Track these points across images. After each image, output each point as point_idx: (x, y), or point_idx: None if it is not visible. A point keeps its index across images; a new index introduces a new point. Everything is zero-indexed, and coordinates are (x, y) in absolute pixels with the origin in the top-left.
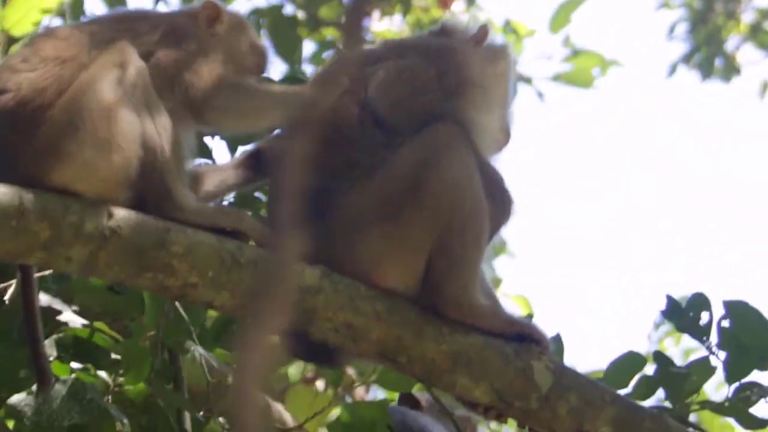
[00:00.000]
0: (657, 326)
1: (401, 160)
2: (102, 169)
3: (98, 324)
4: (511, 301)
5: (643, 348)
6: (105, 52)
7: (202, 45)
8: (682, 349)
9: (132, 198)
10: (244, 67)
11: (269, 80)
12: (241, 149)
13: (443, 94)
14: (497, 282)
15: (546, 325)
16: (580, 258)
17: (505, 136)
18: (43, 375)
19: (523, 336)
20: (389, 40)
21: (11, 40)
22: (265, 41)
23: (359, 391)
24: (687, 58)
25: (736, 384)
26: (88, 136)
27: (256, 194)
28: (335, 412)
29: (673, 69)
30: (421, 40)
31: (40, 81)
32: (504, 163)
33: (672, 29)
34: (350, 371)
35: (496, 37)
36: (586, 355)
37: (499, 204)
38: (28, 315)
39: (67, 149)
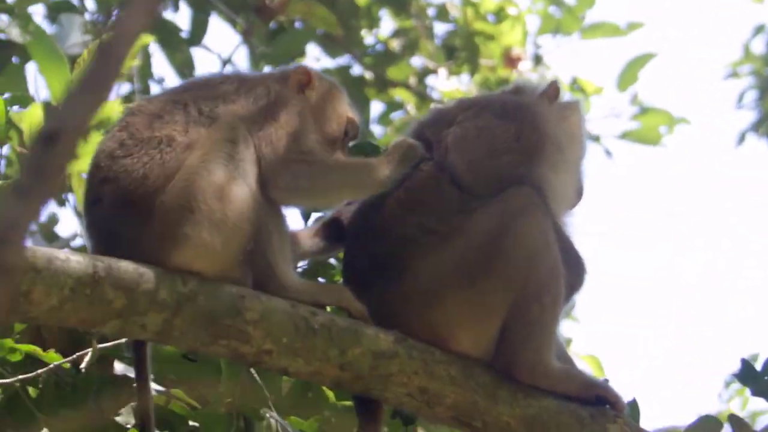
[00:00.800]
0: (728, 384)
1: (477, 225)
2: (219, 249)
3: (175, 391)
4: (581, 361)
5: (714, 407)
6: (214, 128)
7: (289, 115)
8: (749, 412)
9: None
10: (331, 136)
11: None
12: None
13: (521, 155)
14: (567, 342)
15: (617, 385)
16: (648, 317)
17: (578, 194)
18: None
19: (598, 399)
20: (462, 98)
21: None
22: (356, 111)
23: None
24: (756, 127)
25: None
26: (204, 218)
27: (330, 260)
28: None
29: (742, 137)
30: (496, 98)
31: (140, 167)
32: (575, 223)
33: (741, 98)
34: None
35: (565, 94)
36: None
37: (573, 269)
38: (141, 390)
39: (185, 232)
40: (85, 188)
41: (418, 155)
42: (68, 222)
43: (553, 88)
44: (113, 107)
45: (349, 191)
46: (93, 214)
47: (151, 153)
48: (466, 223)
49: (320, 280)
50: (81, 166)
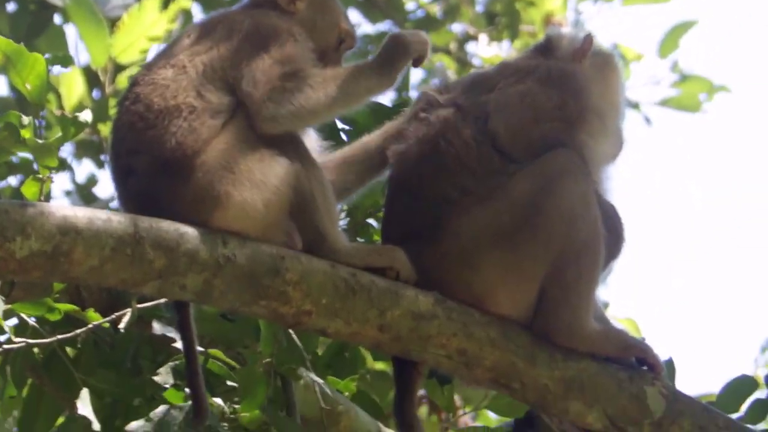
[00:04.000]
0: (764, 350)
1: (517, 187)
2: (261, 209)
3: (213, 351)
4: (619, 324)
5: (750, 371)
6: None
7: (272, 42)
8: None
9: (291, 241)
10: (324, 47)
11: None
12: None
13: (564, 123)
14: (605, 306)
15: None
16: (687, 282)
17: (619, 146)
18: (200, 407)
19: (637, 360)
20: (503, 63)
21: (118, 68)
22: (351, 19)
23: (464, 419)
24: None
25: None
26: (245, 178)
27: (369, 221)
28: None
29: None
30: (540, 64)
31: (170, 136)
32: (616, 187)
33: None
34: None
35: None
36: (694, 377)
37: (613, 234)
38: (188, 352)
39: (226, 191)
40: (112, 161)
41: (414, 49)
42: (107, 183)
43: (587, 42)
44: None
45: (342, 103)
46: (127, 184)
47: (176, 122)
48: (506, 185)
49: (359, 240)
50: None
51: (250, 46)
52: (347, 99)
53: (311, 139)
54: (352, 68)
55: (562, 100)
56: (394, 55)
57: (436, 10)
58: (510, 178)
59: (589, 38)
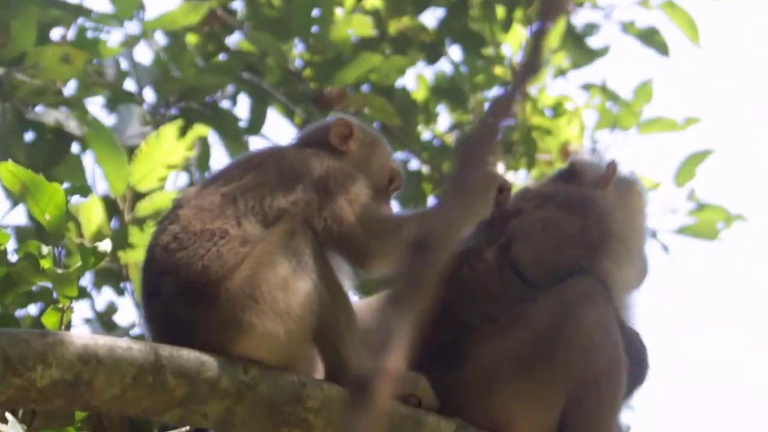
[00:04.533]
0: None
1: (537, 314)
2: (283, 338)
3: None
4: None
5: None
6: (278, 225)
7: (344, 182)
8: None
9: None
10: (378, 186)
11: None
12: None
13: (586, 249)
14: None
15: None
16: (709, 407)
17: (644, 272)
18: None
19: None
20: (524, 189)
21: (137, 196)
22: (397, 161)
23: None
24: None
25: None
26: (268, 308)
27: None
28: None
29: None
30: (560, 190)
31: (197, 259)
32: (639, 314)
33: None
34: None
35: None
36: None
37: (637, 362)
38: None
39: (249, 320)
40: (142, 281)
41: (497, 180)
42: (127, 311)
43: (611, 169)
44: (168, 198)
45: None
46: (152, 305)
47: (205, 245)
48: (527, 312)
49: None
50: (137, 255)
51: (305, 185)
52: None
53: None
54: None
55: (583, 227)
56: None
57: (452, 138)
58: (531, 305)
59: (613, 165)
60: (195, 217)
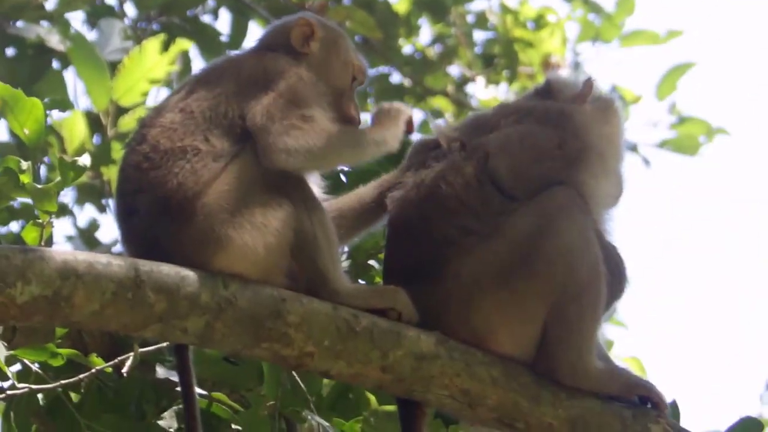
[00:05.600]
0: None
1: (516, 226)
2: (262, 252)
3: (216, 394)
4: (623, 363)
5: (756, 410)
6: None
7: (285, 83)
8: None
9: (293, 283)
10: (339, 85)
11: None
12: None
13: (563, 162)
14: (609, 345)
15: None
16: (689, 323)
17: (620, 189)
18: None
19: (641, 399)
20: (502, 104)
21: (120, 111)
22: (361, 56)
23: None
24: None
25: None
26: (246, 221)
27: (370, 262)
28: None
29: None
30: (538, 104)
31: (172, 177)
32: (616, 228)
33: None
34: None
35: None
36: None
37: (615, 275)
38: (187, 395)
39: (227, 233)
40: (116, 201)
41: (404, 112)
42: (109, 228)
43: (587, 86)
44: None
45: (349, 155)
46: (130, 224)
47: (179, 164)
48: (506, 224)
49: (360, 281)
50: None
51: (261, 89)
52: (356, 151)
53: (314, 182)
54: (359, 128)
55: (561, 139)
56: (392, 120)
57: (434, 52)
58: (510, 217)
59: (589, 82)
60: (161, 135)
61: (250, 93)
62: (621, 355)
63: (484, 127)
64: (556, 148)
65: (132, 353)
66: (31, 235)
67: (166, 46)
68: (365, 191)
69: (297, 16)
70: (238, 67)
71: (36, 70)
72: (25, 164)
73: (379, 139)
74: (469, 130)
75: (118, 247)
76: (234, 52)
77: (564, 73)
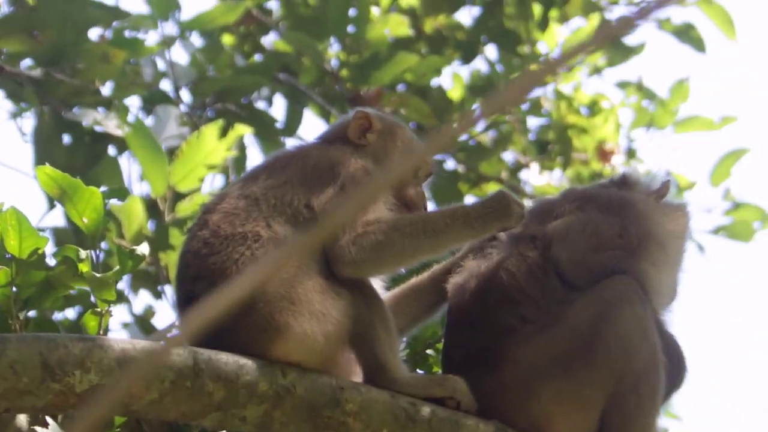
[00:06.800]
0: None
1: (575, 314)
2: (320, 340)
3: None
4: None
5: None
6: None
7: (350, 182)
8: None
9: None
10: (401, 177)
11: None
12: None
13: (624, 251)
14: None
15: None
16: (748, 416)
17: (674, 296)
18: None
19: None
20: (568, 189)
21: (177, 196)
22: (423, 144)
23: None
24: None
25: None
26: (305, 309)
27: (428, 351)
28: None
29: None
30: (601, 192)
31: (231, 263)
32: (674, 320)
33: None
34: None
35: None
36: None
37: (675, 364)
38: None
39: (286, 322)
40: (176, 288)
41: (516, 213)
42: (165, 314)
43: (664, 187)
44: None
45: (427, 251)
46: (188, 311)
47: (239, 249)
48: (565, 313)
49: (419, 371)
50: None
51: (328, 180)
52: (433, 247)
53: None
54: (443, 213)
55: (622, 228)
56: (494, 214)
57: (488, 138)
58: (570, 306)
59: (667, 184)
60: (223, 221)
61: (316, 183)
62: None
63: (549, 213)
64: (617, 236)
65: None
66: (89, 324)
67: (223, 132)
68: (420, 281)
69: (356, 110)
70: (304, 157)
71: (92, 157)
72: (83, 253)
73: (462, 234)
74: (534, 215)
75: (175, 333)
76: (297, 143)
77: (619, 159)
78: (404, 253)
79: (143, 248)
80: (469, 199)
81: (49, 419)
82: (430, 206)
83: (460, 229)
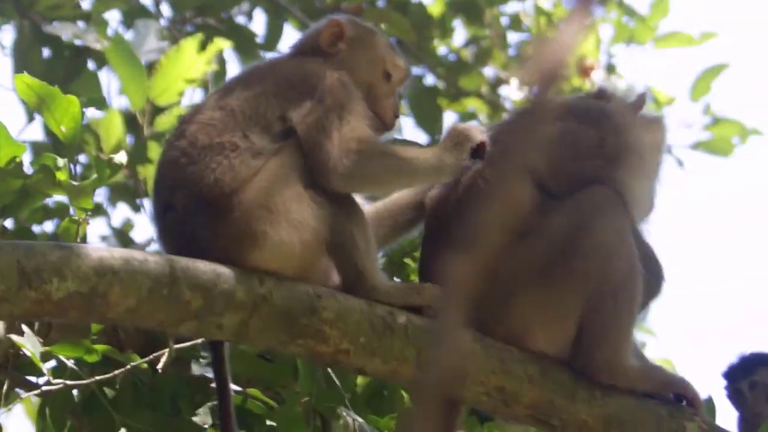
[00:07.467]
0: None
1: (553, 223)
2: (298, 248)
3: (251, 391)
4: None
5: None
6: (291, 140)
7: (335, 93)
8: None
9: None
10: (374, 81)
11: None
12: None
13: (603, 160)
14: (641, 346)
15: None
16: (721, 325)
17: (650, 207)
18: None
19: (676, 396)
20: None
21: (156, 110)
22: (400, 53)
23: None
24: None
25: None
26: (282, 218)
27: (405, 260)
28: None
29: None
30: (579, 103)
31: (209, 173)
32: (651, 231)
33: None
34: None
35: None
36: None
37: (652, 273)
38: (221, 392)
39: (263, 230)
40: (153, 197)
41: (474, 138)
42: (143, 228)
43: (640, 100)
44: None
45: (404, 182)
46: (166, 220)
47: (217, 159)
48: (543, 222)
49: (396, 279)
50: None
51: (304, 93)
52: (412, 179)
53: None
54: (420, 149)
55: (601, 137)
56: (457, 146)
57: (468, 54)
58: (547, 215)
59: (642, 96)
60: (200, 132)
61: (291, 95)
62: (653, 358)
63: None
64: (596, 146)
65: (167, 350)
66: (66, 232)
67: (203, 47)
68: (404, 195)
69: (327, 18)
70: (278, 69)
71: (72, 70)
72: (61, 161)
73: (436, 165)
74: (510, 127)
75: (153, 246)
76: (272, 55)
77: (600, 76)
78: (388, 177)
79: (121, 157)
80: (449, 115)
81: (24, 327)
82: (411, 122)
83: (434, 161)
